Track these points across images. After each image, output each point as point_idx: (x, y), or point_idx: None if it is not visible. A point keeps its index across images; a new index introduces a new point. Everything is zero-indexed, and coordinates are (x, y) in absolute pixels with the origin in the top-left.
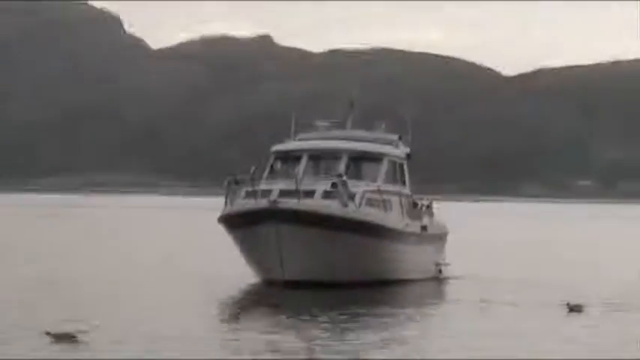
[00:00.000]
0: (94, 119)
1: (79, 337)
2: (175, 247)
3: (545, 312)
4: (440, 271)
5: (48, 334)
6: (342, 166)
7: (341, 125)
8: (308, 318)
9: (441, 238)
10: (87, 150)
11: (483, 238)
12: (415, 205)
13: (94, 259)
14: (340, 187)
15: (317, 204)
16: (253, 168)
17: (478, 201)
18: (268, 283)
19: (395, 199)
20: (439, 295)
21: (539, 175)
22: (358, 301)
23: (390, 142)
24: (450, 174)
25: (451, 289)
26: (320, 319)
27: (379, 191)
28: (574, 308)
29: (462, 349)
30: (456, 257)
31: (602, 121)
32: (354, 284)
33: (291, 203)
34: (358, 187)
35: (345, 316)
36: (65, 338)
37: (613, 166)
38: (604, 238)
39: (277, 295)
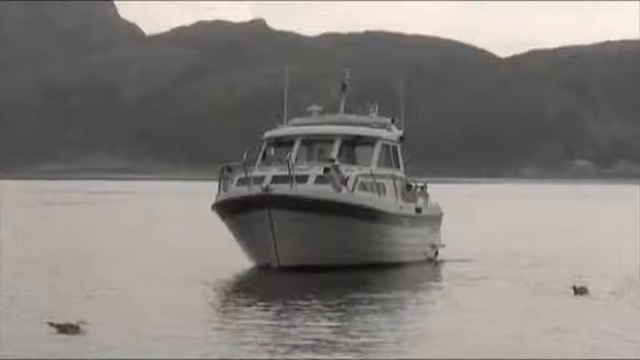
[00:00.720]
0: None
1: (82, 327)
2: (171, 233)
3: (547, 293)
4: (436, 253)
5: (51, 324)
6: (335, 151)
7: (333, 108)
8: (302, 304)
9: (436, 219)
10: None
11: (480, 219)
12: (409, 187)
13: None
14: (333, 172)
15: (310, 189)
16: (245, 154)
17: (475, 182)
18: (263, 269)
19: (389, 182)
20: (435, 277)
21: (537, 157)
22: (353, 285)
23: (383, 126)
24: (445, 156)
25: (447, 270)
26: (314, 304)
27: (372, 175)
28: (579, 291)
29: (458, 331)
30: (452, 239)
31: (598, 101)
32: (349, 268)
33: (284, 189)
34: (351, 172)
35: (340, 301)
36: (68, 328)
37: (611, 146)
38: (603, 219)
39: (272, 280)
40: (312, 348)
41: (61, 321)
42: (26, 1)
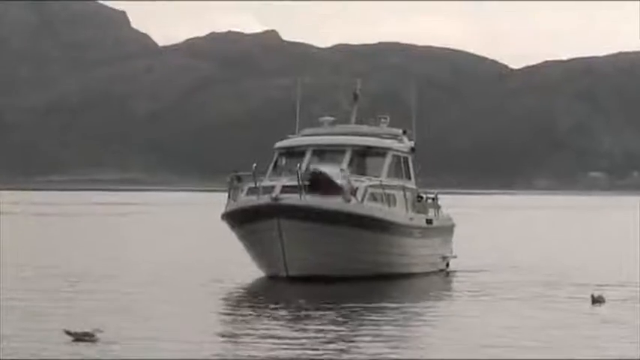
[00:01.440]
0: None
1: (98, 335)
2: (182, 244)
3: (564, 303)
4: (447, 265)
5: (68, 333)
6: (345, 161)
7: (345, 119)
8: (310, 314)
9: (447, 231)
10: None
11: (492, 230)
12: (420, 198)
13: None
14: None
15: (319, 199)
16: (255, 164)
17: (488, 194)
18: (272, 279)
19: (399, 193)
20: (445, 288)
21: (549, 168)
22: (362, 295)
23: (394, 137)
24: (457, 168)
25: (457, 282)
26: (323, 314)
27: (382, 185)
28: (597, 300)
29: (468, 343)
30: (463, 250)
31: (611, 113)
32: (358, 279)
33: (293, 199)
34: (361, 182)
35: (348, 312)
36: (84, 337)
37: (623, 158)
38: (616, 230)
39: (280, 290)
40: (321, 358)
41: (77, 329)
42: (41, 18)
